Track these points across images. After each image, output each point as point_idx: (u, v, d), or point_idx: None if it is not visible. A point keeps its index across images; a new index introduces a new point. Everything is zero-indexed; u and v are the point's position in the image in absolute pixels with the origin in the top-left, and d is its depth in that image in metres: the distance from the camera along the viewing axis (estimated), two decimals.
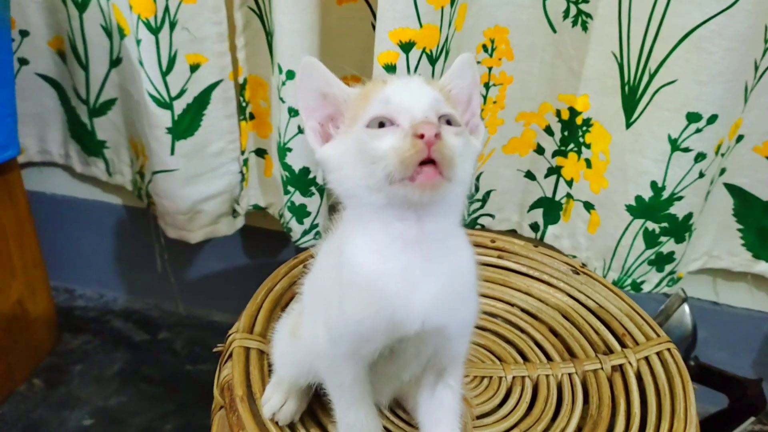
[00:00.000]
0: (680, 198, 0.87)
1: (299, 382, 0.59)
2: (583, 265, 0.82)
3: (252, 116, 1.03)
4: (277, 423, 0.60)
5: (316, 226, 1.02)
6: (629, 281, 0.96)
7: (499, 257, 0.83)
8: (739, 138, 0.91)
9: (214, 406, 0.67)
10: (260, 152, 1.07)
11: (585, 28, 0.87)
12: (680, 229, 0.90)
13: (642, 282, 0.96)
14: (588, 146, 0.93)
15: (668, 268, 0.94)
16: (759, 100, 0.87)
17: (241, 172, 1.07)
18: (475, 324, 0.53)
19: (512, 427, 0.64)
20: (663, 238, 0.90)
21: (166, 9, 0.91)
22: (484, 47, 0.91)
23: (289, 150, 0.94)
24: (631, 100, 0.85)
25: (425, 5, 0.77)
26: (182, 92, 0.97)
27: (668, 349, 0.70)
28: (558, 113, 0.95)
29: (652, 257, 0.93)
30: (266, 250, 1.22)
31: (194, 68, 0.97)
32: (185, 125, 1.00)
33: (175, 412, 1.11)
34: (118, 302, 1.35)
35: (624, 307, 0.76)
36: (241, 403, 0.61)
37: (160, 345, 1.26)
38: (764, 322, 1.07)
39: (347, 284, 0.48)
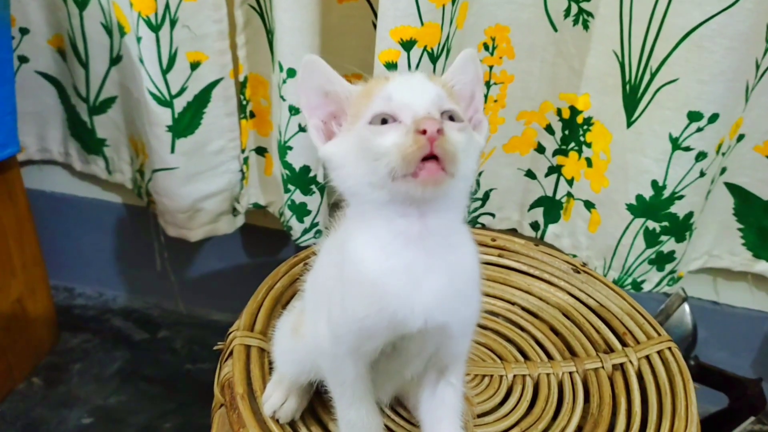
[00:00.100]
0: (681, 197, 0.87)
1: (300, 379, 0.59)
2: (584, 264, 0.82)
3: (252, 114, 1.03)
4: (277, 421, 0.60)
5: (317, 224, 1.02)
6: (630, 280, 0.96)
7: (499, 256, 0.83)
8: (740, 137, 0.91)
9: (215, 404, 0.67)
10: (260, 150, 1.07)
11: (586, 26, 0.87)
12: (681, 229, 0.90)
13: (642, 281, 0.96)
14: (589, 145, 0.93)
15: (669, 267, 0.94)
16: (760, 100, 0.87)
17: (242, 170, 1.07)
18: (477, 322, 0.53)
19: (513, 426, 0.64)
20: (663, 237, 0.90)
21: (167, 7, 0.90)
22: (485, 46, 0.91)
23: (290, 148, 0.94)
24: (632, 99, 0.85)
25: (426, 3, 0.77)
26: (182, 90, 0.97)
27: (669, 348, 0.70)
28: (559, 112, 0.95)
29: (653, 256, 0.93)
30: (266, 248, 1.22)
31: (195, 66, 0.97)
32: (185, 123, 1.00)
33: (175, 411, 1.11)
34: (117, 301, 1.35)
35: (625, 306, 0.76)
36: (242, 401, 0.61)
37: (160, 344, 1.25)
38: (764, 321, 1.07)
39: (350, 281, 0.48)
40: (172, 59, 0.94)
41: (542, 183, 1.00)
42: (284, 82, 0.89)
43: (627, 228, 0.91)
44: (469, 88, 0.51)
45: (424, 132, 0.42)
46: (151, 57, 0.93)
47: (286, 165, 0.96)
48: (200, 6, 0.93)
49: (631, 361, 0.69)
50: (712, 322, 1.06)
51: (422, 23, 0.78)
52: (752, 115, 0.88)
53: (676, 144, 0.83)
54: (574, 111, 0.93)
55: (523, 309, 0.78)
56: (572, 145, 0.95)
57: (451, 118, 0.46)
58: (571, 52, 0.90)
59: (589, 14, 0.86)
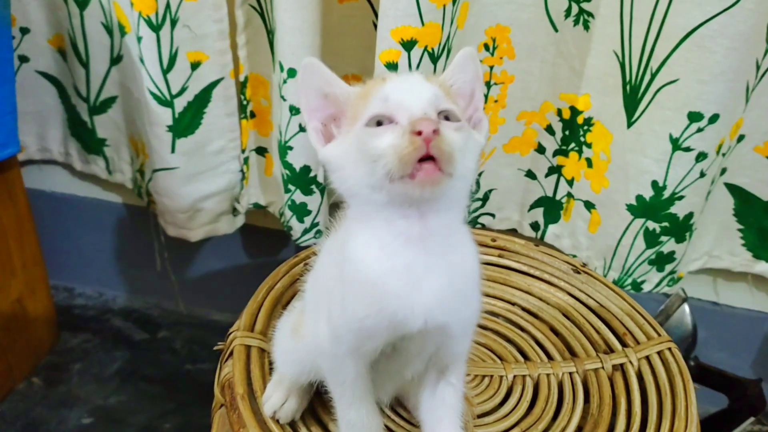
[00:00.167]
0: (681, 197, 0.87)
1: (300, 380, 0.59)
2: (584, 265, 0.82)
3: (253, 114, 1.03)
4: (278, 421, 0.60)
5: (317, 224, 1.02)
6: (629, 281, 0.96)
7: (499, 256, 0.83)
8: (740, 138, 0.91)
9: (215, 405, 0.67)
10: (261, 150, 1.07)
11: (587, 27, 0.87)
12: (681, 229, 0.90)
13: (642, 281, 0.96)
14: (589, 145, 0.93)
15: (668, 267, 0.94)
16: (760, 100, 0.87)
17: (242, 170, 1.07)
18: (477, 322, 0.53)
19: (513, 426, 0.64)
20: (663, 238, 0.90)
21: (167, 6, 0.90)
22: (486, 46, 0.91)
23: (290, 148, 0.94)
24: (632, 100, 0.85)
25: (427, 3, 0.77)
26: (183, 90, 0.97)
27: (669, 349, 0.70)
28: (559, 112, 0.95)
29: (653, 257, 0.93)
30: (266, 249, 1.22)
31: (195, 66, 0.97)
32: (186, 123, 1.00)
33: (175, 411, 1.11)
34: (117, 301, 1.35)
35: (625, 306, 0.76)
36: (242, 401, 0.61)
37: (160, 344, 1.25)
38: (764, 322, 1.07)
39: (350, 281, 0.48)
40: (173, 59, 0.94)
41: (542, 183, 1.00)
42: (285, 82, 0.89)
43: (627, 228, 0.91)
44: (468, 86, 0.51)
45: (419, 133, 0.42)
46: (151, 57, 0.93)
47: (287, 165, 0.96)
48: (201, 6, 0.93)
49: (631, 362, 0.69)
50: (712, 322, 1.06)
51: (423, 23, 0.78)
52: (752, 116, 0.88)
53: (676, 144, 0.83)
54: (575, 111, 0.93)
55: (524, 309, 0.78)
56: (572, 145, 0.95)
57: (448, 118, 0.46)
58: (571, 52, 0.90)
59: (590, 14, 0.86)
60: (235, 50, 0.97)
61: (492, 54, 0.92)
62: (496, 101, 0.95)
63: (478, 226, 1.06)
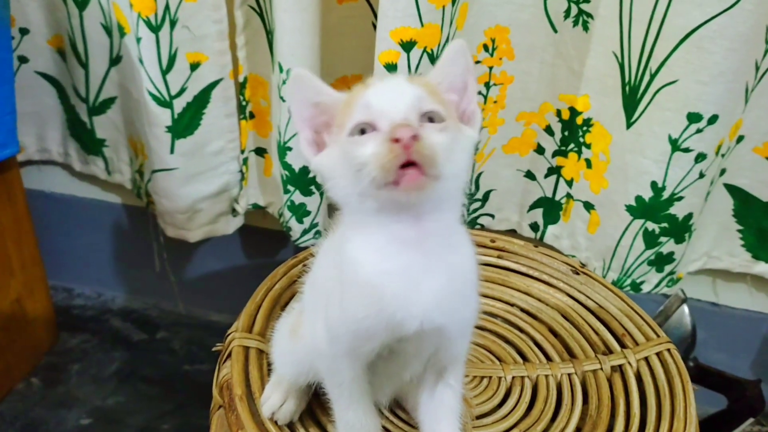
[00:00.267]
0: (680, 198, 0.87)
1: (299, 381, 0.59)
2: (583, 265, 0.82)
3: (252, 115, 1.03)
4: (276, 422, 0.60)
5: (316, 225, 1.02)
6: (629, 281, 0.96)
7: (498, 257, 0.82)
8: (740, 138, 0.91)
9: (213, 406, 0.67)
10: (260, 151, 1.07)
11: (586, 28, 0.87)
12: (680, 230, 0.90)
13: (641, 282, 0.96)
14: (588, 146, 0.93)
15: (668, 268, 0.94)
16: (759, 101, 0.87)
17: (241, 171, 1.07)
18: (476, 324, 0.53)
19: (512, 428, 0.64)
20: (663, 239, 0.90)
21: (167, 7, 0.90)
22: (485, 47, 0.91)
23: (289, 149, 0.94)
24: (631, 100, 0.85)
25: (426, 4, 0.77)
26: (182, 91, 0.97)
27: (668, 350, 0.70)
28: (558, 113, 0.95)
29: (652, 257, 0.92)
30: (265, 249, 1.22)
31: (194, 67, 0.96)
32: (185, 124, 1.00)
33: (173, 412, 1.11)
34: (116, 301, 1.35)
35: (624, 308, 0.75)
36: (240, 403, 0.61)
37: (159, 344, 1.25)
38: (763, 323, 1.07)
39: (347, 283, 0.48)
40: (172, 60, 0.94)
41: (542, 184, 1.00)
42: (284, 82, 0.89)
43: (626, 229, 0.91)
44: (460, 80, 0.51)
45: (398, 140, 0.42)
46: (150, 57, 0.93)
47: (286, 166, 0.96)
48: (200, 6, 0.93)
49: (629, 363, 0.69)
50: (711, 323, 1.06)
51: (422, 24, 0.78)
52: (752, 117, 0.88)
53: (675, 145, 0.83)
54: (574, 112, 0.93)
55: (522, 310, 0.78)
56: (572, 146, 0.95)
57: (433, 119, 0.46)
58: (570, 53, 0.90)
59: (589, 15, 0.86)
60: (235, 51, 0.97)
61: (491, 55, 0.92)
62: (495, 102, 0.95)
63: (478, 226, 1.06)
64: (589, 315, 0.76)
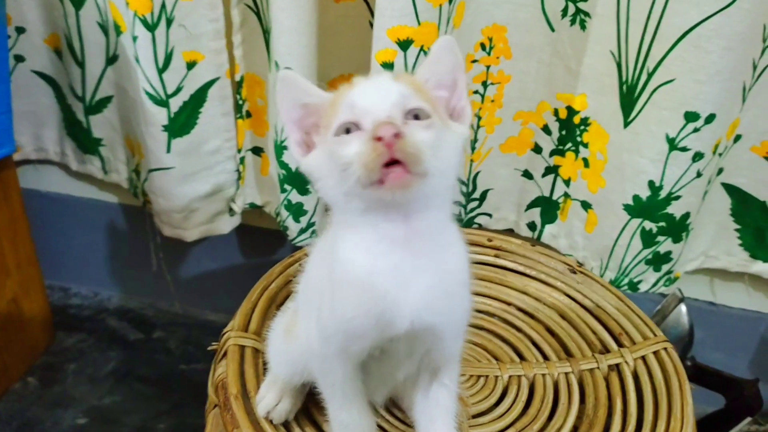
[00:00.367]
0: (678, 197, 0.87)
1: (294, 380, 0.59)
2: (580, 265, 0.82)
3: (249, 114, 1.03)
4: (271, 421, 0.60)
5: (313, 224, 1.02)
6: (626, 281, 0.96)
7: (496, 256, 0.82)
8: (737, 138, 0.90)
9: (209, 405, 0.67)
10: (257, 150, 1.06)
11: (583, 27, 0.87)
12: (677, 229, 0.90)
13: (639, 281, 0.95)
14: (586, 145, 0.93)
15: (665, 267, 0.94)
16: (757, 100, 0.87)
17: (238, 170, 1.07)
18: (470, 322, 0.53)
19: (508, 427, 0.64)
20: (660, 238, 0.90)
21: (163, 6, 0.90)
22: (482, 45, 0.91)
23: (286, 148, 0.94)
24: (629, 100, 0.85)
25: (423, 3, 0.77)
26: (178, 90, 0.97)
27: (665, 349, 0.70)
28: (556, 112, 0.94)
29: (650, 257, 0.92)
30: (262, 249, 1.22)
31: (191, 66, 0.96)
32: (181, 123, 0.99)
33: (169, 412, 1.11)
34: (112, 301, 1.34)
35: (621, 306, 0.75)
36: (236, 402, 0.61)
37: (155, 344, 1.25)
38: (761, 322, 1.07)
39: (338, 282, 0.48)
40: (168, 59, 0.94)
41: (539, 183, 1.00)
42: None
43: (624, 228, 0.91)
44: (449, 76, 0.50)
45: (380, 139, 0.42)
46: (147, 56, 0.93)
47: (283, 165, 0.95)
48: (196, 5, 0.92)
49: (626, 362, 0.69)
50: (708, 322, 1.06)
51: (419, 23, 0.78)
52: (749, 116, 0.88)
53: (672, 144, 0.83)
54: (571, 111, 0.93)
55: (519, 309, 0.78)
56: (569, 145, 0.95)
57: (418, 116, 0.46)
58: (568, 52, 0.89)
59: (586, 14, 0.86)
60: (231, 50, 0.97)
61: (489, 54, 0.92)
62: (492, 101, 0.95)
63: (475, 226, 1.06)
64: (586, 314, 0.76)
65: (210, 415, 0.66)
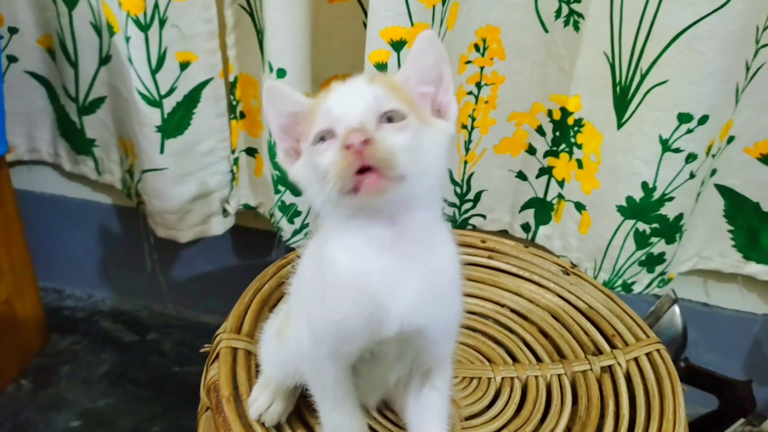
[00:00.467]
0: (671, 199, 0.87)
1: (286, 382, 0.59)
2: (573, 266, 0.82)
3: (242, 115, 1.02)
4: (263, 424, 0.60)
5: (307, 225, 1.02)
6: (620, 282, 0.96)
7: (489, 258, 0.82)
8: (730, 139, 0.91)
9: (201, 408, 0.67)
10: (251, 151, 1.06)
11: (577, 28, 0.87)
12: (671, 230, 0.90)
13: (633, 283, 0.95)
14: (579, 146, 0.93)
15: (659, 269, 0.94)
16: (750, 101, 0.87)
17: (232, 171, 1.06)
18: (462, 324, 0.53)
19: (501, 428, 0.64)
20: (654, 239, 0.90)
21: (156, 6, 0.90)
22: (476, 46, 0.91)
23: None
24: (622, 101, 0.85)
25: (417, 4, 0.77)
26: (172, 90, 0.97)
27: (657, 350, 0.69)
28: (550, 113, 0.94)
29: (643, 258, 0.92)
30: (256, 250, 1.22)
31: (184, 66, 0.96)
32: (175, 124, 0.99)
33: (163, 414, 1.10)
34: (106, 303, 1.34)
35: (614, 308, 0.75)
36: (228, 404, 0.61)
37: (149, 346, 1.25)
38: (754, 323, 1.07)
39: (328, 284, 0.48)
40: (162, 59, 0.94)
41: (533, 184, 1.00)
42: None
43: (617, 229, 0.91)
44: (433, 71, 0.49)
45: (350, 147, 0.42)
46: (140, 57, 0.92)
47: (276, 166, 0.95)
48: (189, 6, 0.92)
49: (619, 363, 0.69)
50: (702, 323, 1.06)
51: (412, 23, 0.78)
52: (742, 117, 0.88)
53: (666, 145, 0.83)
54: (565, 112, 0.93)
55: (512, 311, 0.78)
56: (563, 146, 0.95)
57: (393, 119, 0.45)
58: (561, 53, 0.89)
59: (580, 15, 0.86)
60: (225, 50, 0.97)
61: (482, 55, 0.92)
62: (486, 102, 0.95)
63: (469, 227, 1.05)
64: (579, 315, 0.76)
65: (202, 418, 0.66)
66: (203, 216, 1.09)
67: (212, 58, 0.98)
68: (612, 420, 0.64)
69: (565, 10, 0.87)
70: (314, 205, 0.48)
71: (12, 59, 1.10)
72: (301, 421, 0.62)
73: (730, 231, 0.98)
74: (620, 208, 0.89)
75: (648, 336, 0.72)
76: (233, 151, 1.04)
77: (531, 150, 0.98)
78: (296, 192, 0.97)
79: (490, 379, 0.69)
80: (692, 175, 0.86)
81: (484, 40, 0.91)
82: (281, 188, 0.97)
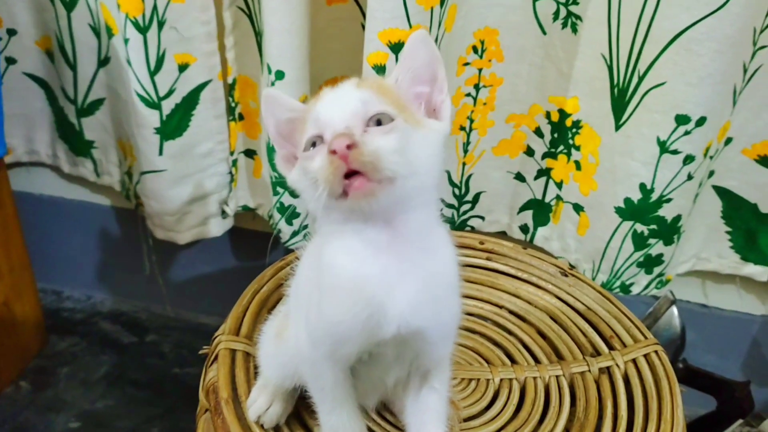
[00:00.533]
0: (669, 200, 0.87)
1: (285, 384, 0.59)
2: (572, 267, 0.82)
3: (241, 117, 1.02)
4: (262, 426, 0.60)
5: (306, 226, 1.02)
6: (618, 283, 0.96)
7: (487, 259, 0.82)
8: (728, 140, 0.91)
9: (200, 409, 0.67)
10: (249, 153, 1.06)
11: (575, 30, 0.87)
12: (669, 231, 0.90)
13: (631, 284, 0.96)
14: (577, 148, 0.93)
15: (657, 270, 0.94)
16: (747, 103, 0.87)
17: (230, 172, 1.06)
18: (461, 325, 0.53)
19: (499, 430, 0.64)
20: (652, 240, 0.90)
21: (155, 8, 0.90)
22: (474, 48, 0.91)
23: None
24: (620, 103, 0.85)
25: (415, 6, 0.77)
26: (171, 92, 0.97)
27: (655, 352, 0.70)
28: (548, 115, 0.95)
29: (641, 259, 0.93)
30: (255, 251, 1.22)
31: (183, 68, 0.96)
32: (174, 125, 0.99)
33: (162, 416, 1.10)
34: (105, 304, 1.34)
35: (612, 309, 0.75)
36: (226, 406, 0.61)
37: (148, 347, 1.25)
38: (752, 324, 1.07)
39: (325, 287, 0.48)
40: (160, 61, 0.94)
41: (531, 186, 1.00)
42: (273, 84, 0.89)
43: (615, 231, 0.91)
44: (427, 70, 0.49)
45: (335, 151, 0.42)
46: (138, 59, 0.93)
47: (275, 167, 0.95)
48: (188, 7, 0.92)
49: (617, 365, 0.69)
50: (700, 324, 1.06)
51: (410, 25, 0.78)
52: (740, 119, 0.89)
53: (664, 147, 0.83)
54: (563, 114, 0.93)
55: (511, 312, 0.78)
56: (561, 148, 0.95)
57: (381, 121, 0.45)
58: (559, 55, 0.90)
59: (578, 17, 0.86)
60: (223, 52, 0.97)
61: (481, 56, 0.92)
62: (485, 104, 0.95)
63: (468, 228, 1.06)
64: (577, 317, 0.76)
65: (201, 420, 0.66)
66: (202, 217, 1.09)
67: (211, 60, 0.98)
68: (610, 421, 0.64)
69: (563, 13, 0.87)
70: (310, 210, 0.48)
71: (11, 61, 1.10)
72: (300, 422, 0.62)
73: (728, 232, 0.98)
74: (618, 210, 0.89)
75: (646, 337, 0.72)
76: (232, 153, 1.05)
77: (529, 152, 0.98)
78: (295, 194, 0.97)
79: (488, 380, 0.69)
80: (690, 177, 0.86)
81: (483, 42, 0.91)
82: (280, 190, 0.97)
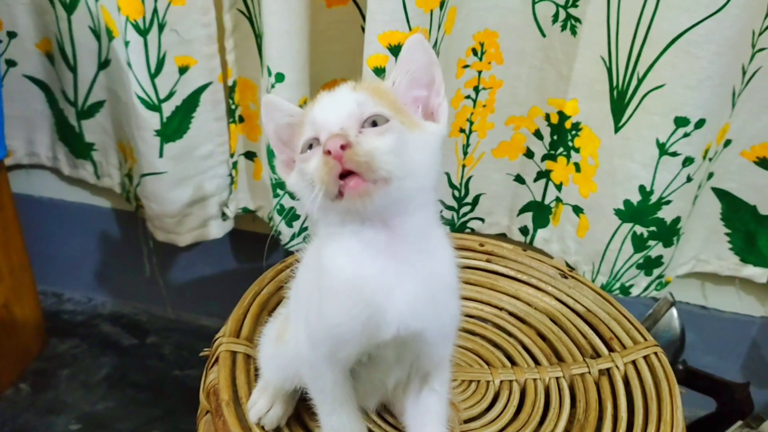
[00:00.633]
0: (668, 202, 0.87)
1: (285, 386, 0.59)
2: (572, 269, 0.82)
3: (241, 119, 1.03)
4: (263, 428, 0.60)
5: (306, 229, 1.02)
6: (618, 285, 0.96)
7: (487, 261, 0.82)
8: (727, 142, 0.91)
9: (200, 411, 0.67)
10: (249, 155, 1.06)
11: (574, 32, 0.87)
12: (668, 233, 0.90)
13: (630, 286, 0.96)
14: (577, 150, 0.93)
15: (656, 272, 0.94)
16: (746, 105, 0.87)
17: (230, 174, 1.07)
18: (461, 327, 0.53)
19: (500, 431, 0.64)
20: (651, 242, 0.91)
21: (155, 10, 0.90)
22: (474, 51, 0.92)
23: None
24: (619, 105, 0.85)
25: (414, 8, 0.77)
26: (171, 94, 0.97)
27: (655, 353, 0.70)
28: (547, 117, 0.95)
29: (641, 261, 0.93)
30: (255, 253, 1.22)
31: (183, 70, 0.96)
32: (174, 128, 0.99)
33: (162, 418, 1.10)
34: (106, 306, 1.34)
35: (612, 311, 0.75)
36: (227, 408, 0.61)
37: (148, 350, 1.25)
38: (752, 326, 1.07)
39: (325, 288, 0.48)
40: (161, 63, 0.94)
41: (531, 188, 1.01)
42: (273, 86, 0.89)
43: (615, 233, 0.91)
44: (425, 73, 0.50)
45: (330, 152, 0.43)
46: (139, 61, 0.93)
47: (275, 170, 0.95)
48: (188, 10, 0.93)
49: (617, 366, 0.69)
50: (700, 326, 1.06)
51: (410, 28, 0.78)
52: (739, 121, 0.89)
53: (663, 149, 0.84)
54: (563, 116, 0.93)
55: (511, 314, 0.78)
56: (561, 150, 0.95)
57: (377, 123, 0.45)
58: (559, 57, 0.90)
59: (577, 20, 0.87)
60: (224, 54, 0.97)
61: (480, 59, 0.92)
62: (484, 106, 0.95)
63: (468, 230, 1.06)
64: (577, 319, 0.76)
65: (202, 422, 0.66)
66: (202, 219, 1.09)
67: (211, 63, 0.98)
68: (610, 423, 0.64)
69: (562, 15, 0.87)
70: (309, 213, 0.49)
71: (11, 63, 1.10)
72: (301, 424, 0.62)
73: (727, 234, 0.98)
74: (618, 212, 0.90)
75: (646, 339, 0.72)
76: (232, 155, 1.05)
77: (529, 154, 0.99)
78: (294, 196, 0.98)
79: (488, 382, 0.69)
80: (689, 179, 0.86)
81: (482, 45, 0.91)
82: (280, 192, 0.98)
